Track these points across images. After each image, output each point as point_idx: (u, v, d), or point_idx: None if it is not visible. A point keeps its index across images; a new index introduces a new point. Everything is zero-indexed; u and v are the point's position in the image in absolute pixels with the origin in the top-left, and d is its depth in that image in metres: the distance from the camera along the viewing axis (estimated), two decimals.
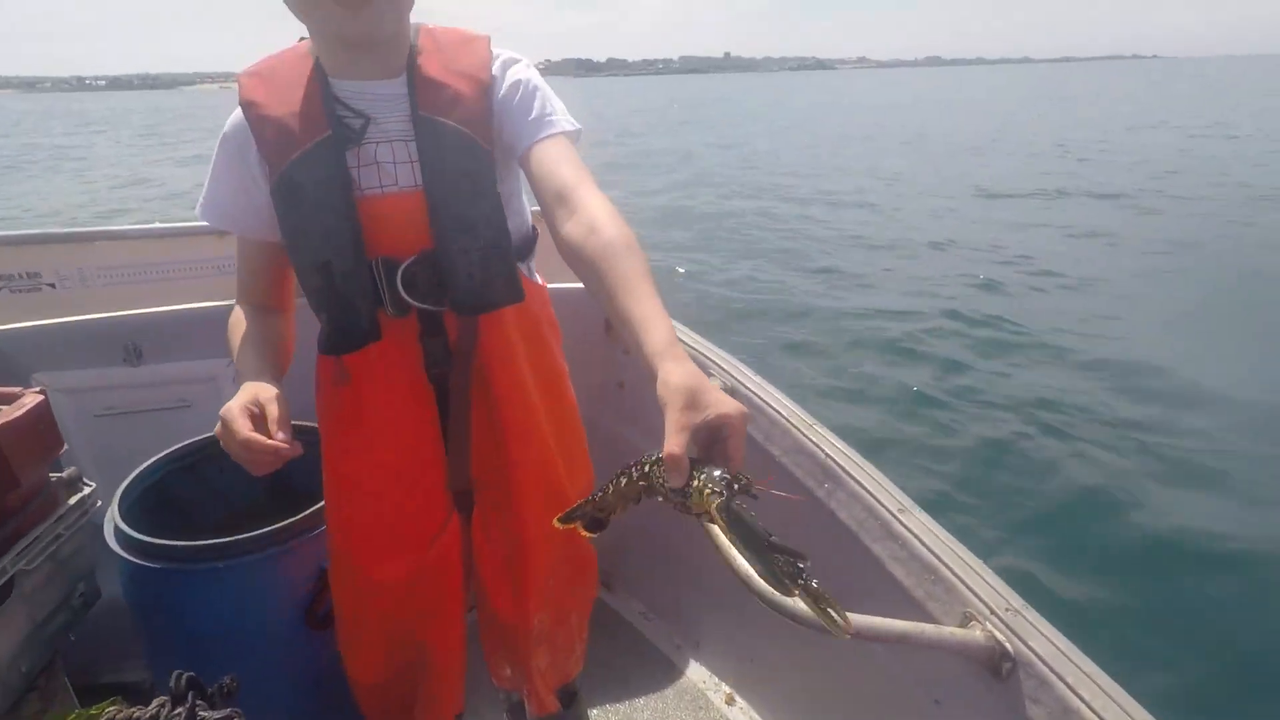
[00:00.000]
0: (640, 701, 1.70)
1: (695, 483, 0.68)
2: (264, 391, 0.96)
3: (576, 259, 0.93)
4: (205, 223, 1.08)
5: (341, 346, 1.05)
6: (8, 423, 1.01)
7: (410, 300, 1.03)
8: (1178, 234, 8.45)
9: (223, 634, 1.17)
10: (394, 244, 1.02)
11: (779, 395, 1.48)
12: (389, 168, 1.00)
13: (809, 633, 1.44)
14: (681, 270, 7.63)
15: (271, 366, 1.04)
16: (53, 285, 1.78)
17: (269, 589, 1.20)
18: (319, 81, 1.00)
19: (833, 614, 0.62)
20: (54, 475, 1.13)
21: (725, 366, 1.58)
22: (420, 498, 1.16)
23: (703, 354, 1.65)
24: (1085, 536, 3.07)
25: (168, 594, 1.16)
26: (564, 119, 1.05)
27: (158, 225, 1.91)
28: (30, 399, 1.07)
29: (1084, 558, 2.93)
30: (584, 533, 0.84)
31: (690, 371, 0.74)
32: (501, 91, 1.05)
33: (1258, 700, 2.29)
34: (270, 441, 0.93)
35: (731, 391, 1.54)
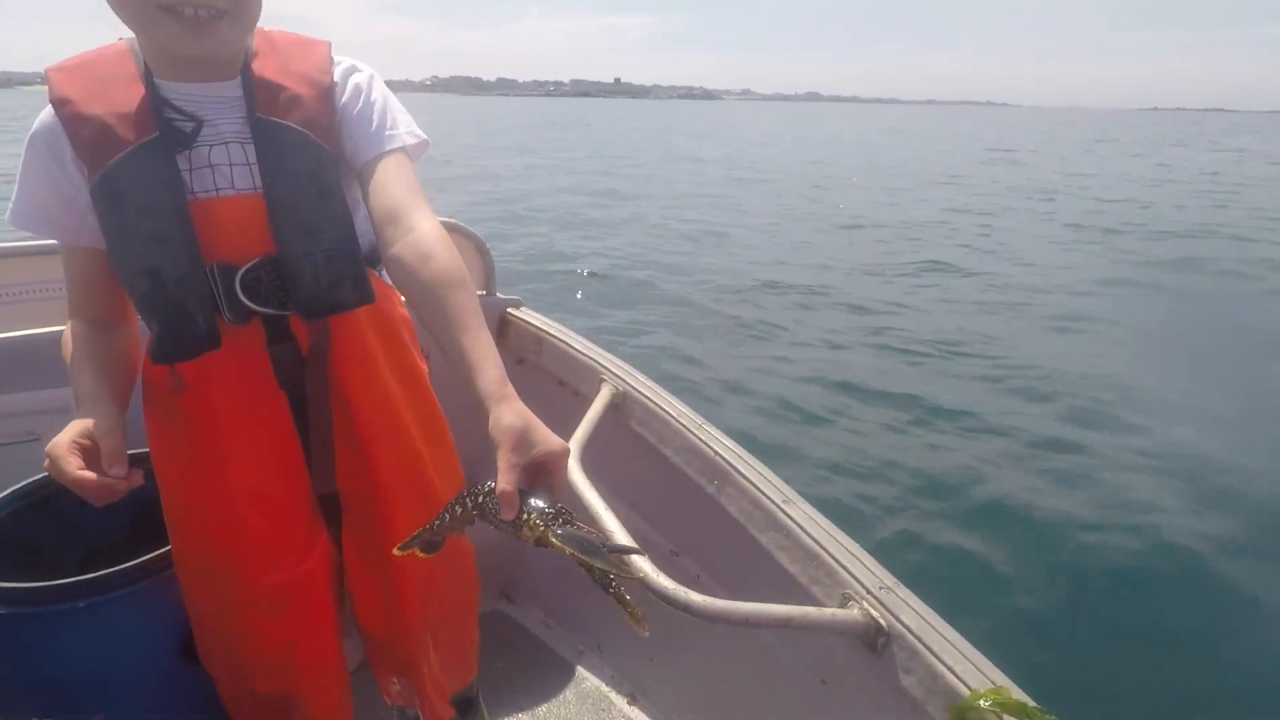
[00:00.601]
0: (543, 709, 1.71)
1: (524, 515, 0.77)
2: (98, 424, 0.93)
3: (405, 283, 0.98)
4: (22, 230, 1.00)
5: (175, 355, 1.00)
6: None
7: (252, 305, 1.00)
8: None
9: (90, 679, 1.09)
10: (231, 248, 0.99)
11: (670, 398, 1.55)
12: (225, 170, 0.97)
13: (706, 631, 1.52)
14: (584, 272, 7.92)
15: (112, 390, 0.99)
16: None
17: (141, 624, 1.13)
18: (144, 82, 0.95)
19: (634, 616, 0.74)
20: None
21: (617, 372, 1.63)
22: (283, 515, 1.11)
23: (597, 361, 1.69)
24: (950, 516, 3.38)
25: (23, 641, 1.06)
26: (405, 132, 1.06)
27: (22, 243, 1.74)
28: None
29: (950, 535, 3.22)
30: (420, 554, 0.92)
31: (518, 412, 0.84)
32: (344, 99, 1.04)
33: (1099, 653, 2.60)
34: (103, 480, 0.91)
35: (624, 396, 1.59)
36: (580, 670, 1.81)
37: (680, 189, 15.88)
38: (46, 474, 1.34)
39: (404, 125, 1.06)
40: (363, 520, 1.17)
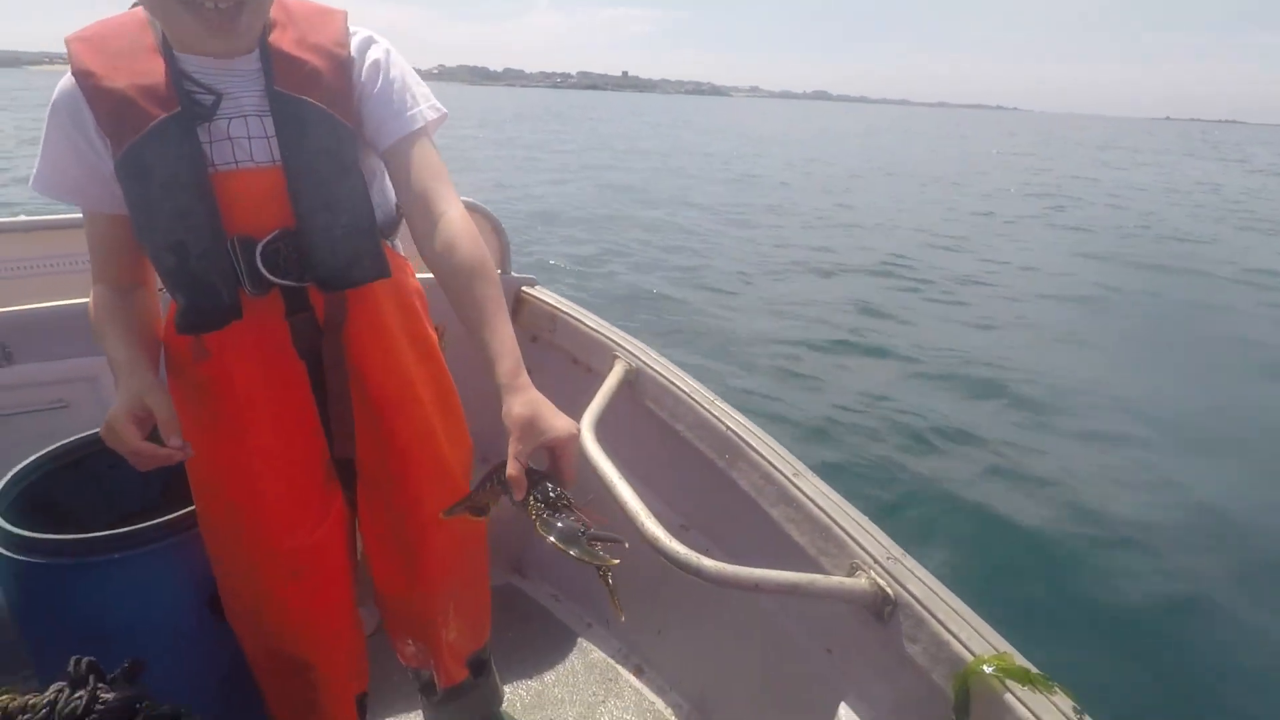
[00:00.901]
0: (550, 677, 1.75)
1: (530, 499, 0.89)
2: (150, 394, 0.96)
3: (433, 269, 1.04)
4: (46, 197, 1.01)
5: (199, 326, 1.03)
6: None
7: (271, 278, 1.01)
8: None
9: (123, 631, 1.13)
10: (251, 222, 1.00)
11: (683, 375, 1.58)
12: (244, 143, 0.98)
13: (712, 605, 1.56)
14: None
15: (145, 354, 1.02)
16: None
17: (171, 579, 1.17)
18: (164, 54, 0.96)
19: (614, 603, 0.86)
20: None
21: (631, 349, 1.66)
22: (301, 481, 1.14)
23: (610, 338, 1.72)
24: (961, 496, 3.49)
25: (60, 592, 1.10)
26: (426, 108, 1.06)
27: (22, 219, 1.78)
28: None
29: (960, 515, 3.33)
30: (472, 517, 1.01)
31: (527, 401, 0.92)
32: (362, 76, 1.04)
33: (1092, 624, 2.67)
34: (163, 450, 0.95)
35: (636, 373, 1.62)
36: (588, 643, 1.85)
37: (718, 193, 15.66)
38: (78, 438, 1.40)
39: (424, 100, 1.07)
40: (378, 487, 1.21)
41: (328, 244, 1.02)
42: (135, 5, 1.01)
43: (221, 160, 0.97)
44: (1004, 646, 0.95)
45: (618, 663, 1.79)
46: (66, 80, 0.97)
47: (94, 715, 0.84)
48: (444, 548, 1.28)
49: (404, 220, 1.16)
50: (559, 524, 0.86)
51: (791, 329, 5.94)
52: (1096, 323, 6.66)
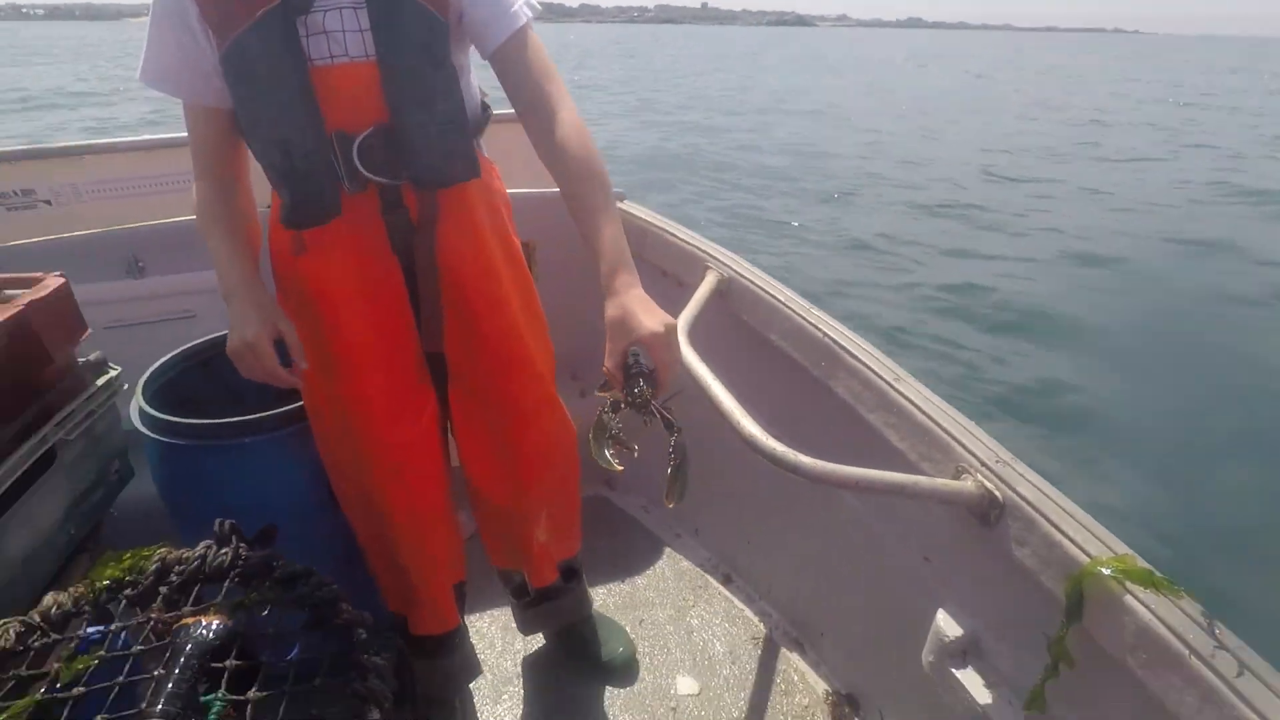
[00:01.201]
0: (641, 581, 1.80)
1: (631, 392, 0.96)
2: (281, 318, 1.03)
3: (550, 170, 1.03)
4: (151, 88, 1.01)
5: (304, 222, 1.05)
6: (34, 301, 1.04)
7: (368, 175, 1.02)
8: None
9: (249, 506, 1.22)
10: (347, 117, 1.00)
11: (777, 284, 1.54)
12: (339, 36, 0.97)
13: (801, 512, 1.54)
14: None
15: (252, 261, 1.06)
16: (48, 202, 1.77)
17: (291, 464, 1.25)
18: None
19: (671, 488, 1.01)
20: (80, 359, 1.17)
21: (723, 260, 1.63)
22: (400, 374, 1.18)
23: (701, 249, 1.70)
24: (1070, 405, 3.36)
25: (197, 470, 1.21)
26: (524, 4, 1.03)
27: (148, 138, 1.89)
28: (52, 281, 1.10)
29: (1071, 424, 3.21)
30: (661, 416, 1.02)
31: (619, 303, 0.96)
32: None
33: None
34: (293, 378, 1.02)
35: (729, 283, 1.59)
36: (676, 552, 1.89)
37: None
38: (206, 340, 1.50)
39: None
40: (471, 385, 1.23)
41: (423, 140, 1.02)
42: None
43: (318, 55, 0.97)
44: (1123, 549, 0.90)
45: (706, 571, 1.82)
46: None
47: (238, 568, 0.92)
48: (538, 447, 1.31)
49: (489, 122, 1.17)
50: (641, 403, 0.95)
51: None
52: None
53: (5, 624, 0.81)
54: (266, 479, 1.24)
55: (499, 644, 1.64)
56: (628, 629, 1.65)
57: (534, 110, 1.03)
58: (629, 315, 0.95)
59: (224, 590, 0.91)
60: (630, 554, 1.89)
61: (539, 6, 1.09)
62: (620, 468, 1.03)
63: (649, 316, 0.95)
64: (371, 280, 1.12)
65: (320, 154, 1.01)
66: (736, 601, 1.72)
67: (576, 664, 1.57)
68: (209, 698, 0.77)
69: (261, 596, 0.93)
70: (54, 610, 0.86)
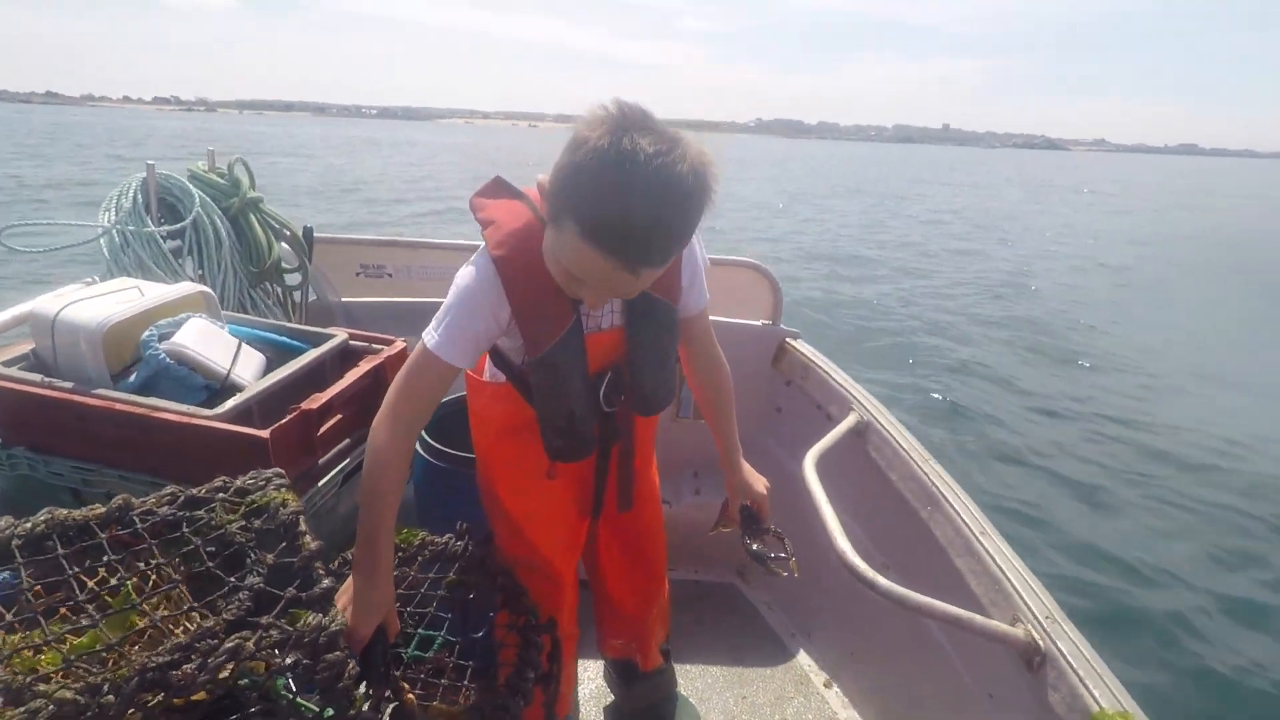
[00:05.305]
0: (753, 673, 2.06)
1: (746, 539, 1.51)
2: (392, 617, 1.13)
3: (697, 391, 1.48)
4: (444, 358, 1.12)
5: (568, 459, 1.28)
6: (389, 356, 1.63)
7: (606, 409, 1.26)
8: None
9: (470, 518, 1.71)
10: (596, 365, 1.23)
11: (904, 432, 1.81)
12: (603, 315, 1.22)
13: (897, 635, 1.76)
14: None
15: (393, 545, 1.18)
16: (390, 275, 2.54)
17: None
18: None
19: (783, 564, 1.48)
20: None
21: (865, 404, 1.93)
22: (574, 524, 1.45)
23: (849, 392, 2.01)
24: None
25: (445, 487, 1.73)
26: (705, 289, 1.33)
27: (460, 240, 2.63)
28: (397, 345, 1.70)
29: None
30: (723, 530, 1.59)
31: (740, 479, 1.51)
32: (683, 265, 1.27)
33: None
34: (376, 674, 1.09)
35: (866, 425, 1.89)
36: (789, 650, 2.12)
37: None
38: (457, 395, 2.05)
39: (704, 285, 1.33)
40: (626, 534, 1.52)
41: (651, 382, 1.28)
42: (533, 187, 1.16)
43: (587, 327, 1.21)
44: (1129, 704, 1.07)
45: (810, 672, 2.04)
46: (484, 270, 1.13)
47: (468, 554, 1.39)
48: (660, 559, 1.61)
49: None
50: (754, 544, 1.50)
51: None
52: None
53: (345, 554, 1.32)
54: (468, 502, 1.72)
55: None
56: (730, 702, 1.92)
57: (703, 356, 1.42)
58: (747, 485, 1.51)
59: (454, 569, 1.38)
60: (747, 645, 2.16)
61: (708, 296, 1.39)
62: (784, 573, 1.47)
63: (757, 483, 1.50)
64: (579, 471, 1.37)
65: (593, 418, 1.26)
66: (831, 704, 1.92)
67: None
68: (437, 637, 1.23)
69: (474, 580, 1.39)
70: None
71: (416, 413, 1.15)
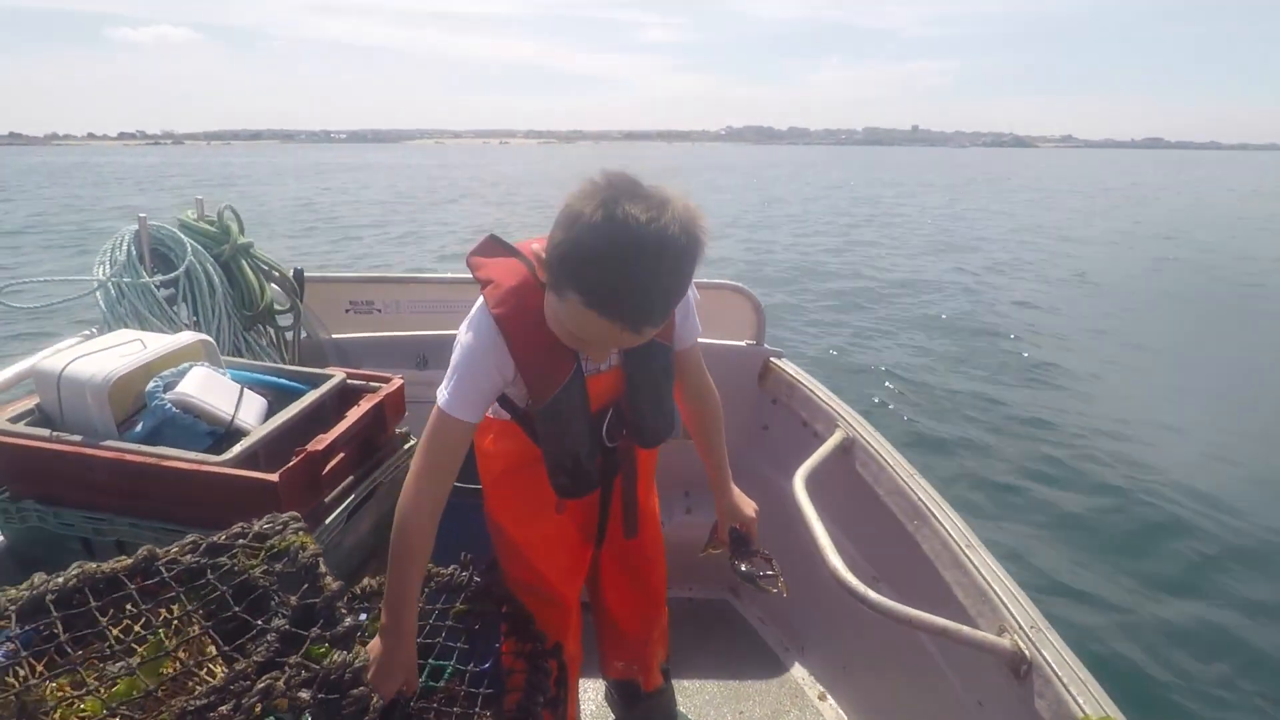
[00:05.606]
0: (749, 688, 2.11)
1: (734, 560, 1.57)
2: (412, 674, 1.17)
3: (688, 417, 1.50)
4: (453, 414, 1.18)
5: (576, 495, 1.34)
6: (387, 394, 1.67)
7: (608, 444, 1.32)
8: None
9: (471, 547, 1.75)
10: (598, 403, 1.28)
11: (890, 448, 1.88)
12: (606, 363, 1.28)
13: (888, 647, 1.83)
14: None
15: (416, 605, 1.21)
16: (380, 310, 2.58)
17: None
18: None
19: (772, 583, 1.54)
20: (396, 430, 1.79)
21: (850, 421, 2.00)
22: (577, 553, 1.51)
23: (835, 409, 2.08)
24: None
25: (455, 517, 1.76)
26: (697, 323, 1.38)
27: (446, 275, 2.68)
28: (395, 383, 1.74)
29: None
30: (712, 552, 1.65)
31: (729, 501, 1.57)
32: (681, 316, 1.33)
33: None
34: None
35: (852, 441, 1.96)
36: (784, 664, 2.18)
37: None
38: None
39: (696, 320, 1.38)
40: (628, 557, 1.56)
41: (652, 419, 1.34)
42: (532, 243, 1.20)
43: (586, 370, 1.25)
44: (1112, 709, 1.14)
45: (805, 685, 2.09)
46: (493, 330, 1.16)
47: (472, 585, 1.43)
48: (661, 581, 1.67)
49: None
50: (743, 565, 1.56)
51: None
52: None
53: (352, 589, 1.36)
54: (476, 534, 1.76)
55: None
56: (727, 717, 1.97)
57: (693, 389, 1.47)
58: (736, 508, 1.57)
59: (460, 598, 1.42)
60: (743, 660, 2.22)
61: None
62: (774, 590, 1.52)
63: (746, 506, 1.57)
64: (583, 504, 1.43)
65: (595, 457, 1.31)
66: (826, 716, 1.98)
67: None
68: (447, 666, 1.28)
69: (480, 609, 1.43)
70: (368, 588, 1.41)
71: (442, 470, 1.20)
